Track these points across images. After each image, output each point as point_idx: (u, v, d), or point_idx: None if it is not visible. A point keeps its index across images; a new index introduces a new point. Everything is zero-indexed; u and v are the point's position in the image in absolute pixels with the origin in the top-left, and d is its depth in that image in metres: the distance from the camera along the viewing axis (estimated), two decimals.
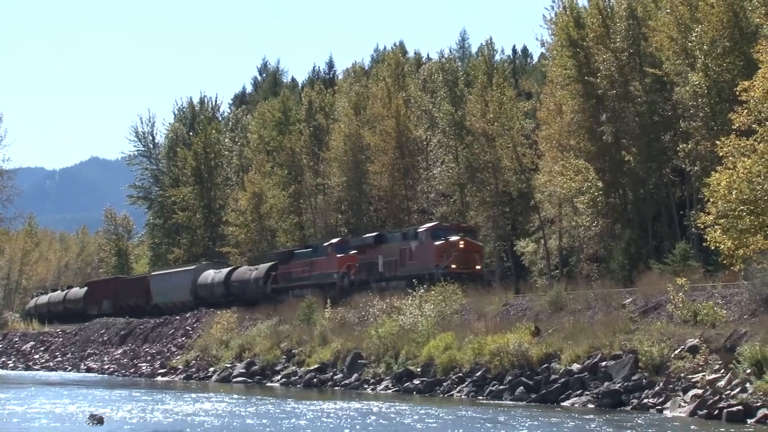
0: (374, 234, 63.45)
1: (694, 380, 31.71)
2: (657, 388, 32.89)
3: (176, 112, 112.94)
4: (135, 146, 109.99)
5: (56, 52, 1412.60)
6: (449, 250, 56.08)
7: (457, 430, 29.36)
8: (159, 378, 60.52)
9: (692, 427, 28.48)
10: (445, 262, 55.69)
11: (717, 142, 35.53)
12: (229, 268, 77.61)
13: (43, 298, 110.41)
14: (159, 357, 65.66)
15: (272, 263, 72.11)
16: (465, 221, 66.05)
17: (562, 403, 35.08)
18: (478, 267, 57.26)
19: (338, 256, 63.98)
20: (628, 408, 32.83)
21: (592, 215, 58.01)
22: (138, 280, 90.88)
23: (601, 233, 59.15)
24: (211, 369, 57.79)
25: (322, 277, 64.85)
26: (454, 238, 56.84)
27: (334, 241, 67.15)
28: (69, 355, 76.45)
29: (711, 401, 29.79)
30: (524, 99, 78.96)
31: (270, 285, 70.32)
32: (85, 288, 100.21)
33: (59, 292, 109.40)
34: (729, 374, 30.53)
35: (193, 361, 60.67)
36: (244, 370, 54.69)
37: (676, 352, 33.44)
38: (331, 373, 48.67)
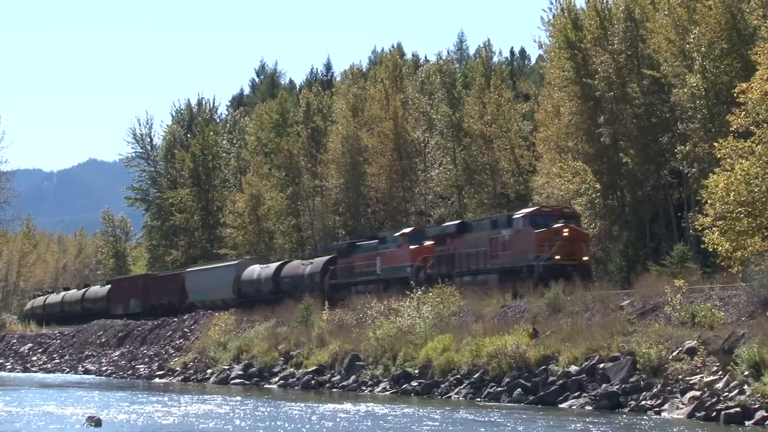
0: (457, 222, 57.78)
1: (691, 382, 31.73)
2: (655, 390, 32.90)
3: (174, 113, 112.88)
4: (133, 148, 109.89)
5: (54, 54, 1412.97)
6: (552, 239, 49.26)
7: (455, 431, 29.38)
8: (157, 380, 60.55)
9: (690, 429, 28.50)
10: (547, 252, 49.19)
11: (715, 144, 35.55)
12: (279, 263, 72.41)
13: (54, 298, 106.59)
14: (157, 359, 65.67)
15: (330, 257, 67.36)
16: (568, 206, 55.91)
17: (559, 405, 35.09)
18: (585, 258, 50.89)
19: (411, 247, 58.29)
20: (626, 410, 32.84)
21: (590, 217, 57.94)
22: (171, 277, 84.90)
23: (599, 235, 59.11)
24: (209, 371, 57.80)
25: (392, 271, 59.47)
26: (557, 224, 49.97)
27: (406, 230, 61.60)
28: (67, 357, 76.47)
29: (709, 403, 29.81)
30: (522, 101, 78.91)
31: (328, 281, 65.00)
32: (108, 286, 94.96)
33: (74, 290, 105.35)
34: (727, 376, 30.55)
35: (191, 363, 60.68)
36: (241, 372, 54.70)
37: (674, 353, 33.45)
38: (329, 375, 48.67)
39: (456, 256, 54.56)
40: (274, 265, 71.71)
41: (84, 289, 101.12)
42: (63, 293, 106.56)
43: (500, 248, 51.95)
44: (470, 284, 51.94)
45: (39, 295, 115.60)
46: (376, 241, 62.36)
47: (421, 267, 57.08)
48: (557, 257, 48.83)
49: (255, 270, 72.92)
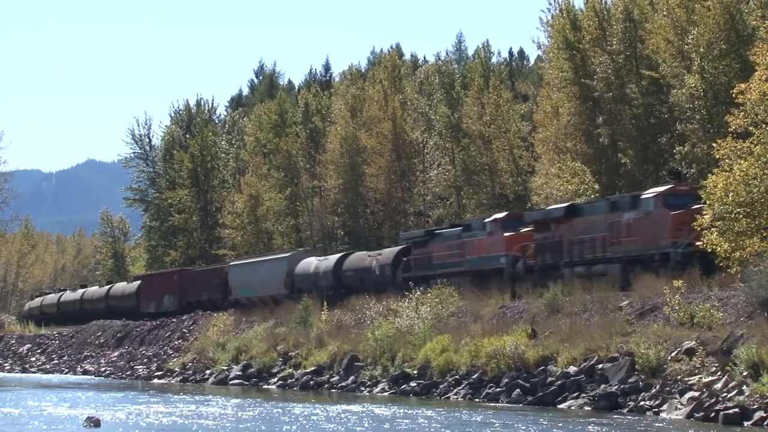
0: (564, 205, 50.63)
1: (690, 383, 31.71)
2: (653, 391, 32.90)
3: (173, 114, 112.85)
4: (131, 149, 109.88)
5: (53, 54, 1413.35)
6: (691, 223, 38.74)
7: None
8: (155, 380, 60.53)
9: (689, 429, 28.51)
10: (686, 238, 41.81)
11: (713, 144, 35.53)
12: (340, 255, 66.78)
13: (71, 295, 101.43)
14: (155, 359, 65.65)
15: (402, 247, 61.63)
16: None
17: (558, 406, 35.08)
18: None
19: (506, 234, 52.14)
20: (625, 410, 32.83)
21: None
22: (212, 272, 79.12)
23: None
24: (208, 371, 57.78)
25: (481, 261, 53.43)
26: (696, 205, 39.72)
27: (499, 215, 54.66)
28: (66, 358, 76.43)
29: (707, 404, 29.81)
30: (521, 101, 79.01)
31: (401, 273, 58.79)
32: (138, 282, 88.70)
33: (96, 287, 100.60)
34: (725, 377, 30.55)
35: (190, 364, 60.66)
36: (240, 373, 54.68)
37: (673, 354, 33.44)
38: (328, 376, 48.66)
39: (564, 243, 48.37)
40: (334, 257, 66.34)
41: (108, 286, 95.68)
42: (82, 290, 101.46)
43: (623, 233, 45.28)
44: (584, 275, 46.06)
45: (48, 293, 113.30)
46: (460, 228, 56.29)
47: (518, 257, 51.15)
48: (699, 243, 38.74)
49: (311, 263, 67.17)
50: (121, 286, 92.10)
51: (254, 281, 71.14)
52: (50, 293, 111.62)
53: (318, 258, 67.65)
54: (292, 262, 68.72)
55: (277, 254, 74.38)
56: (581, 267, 47.12)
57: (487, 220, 54.50)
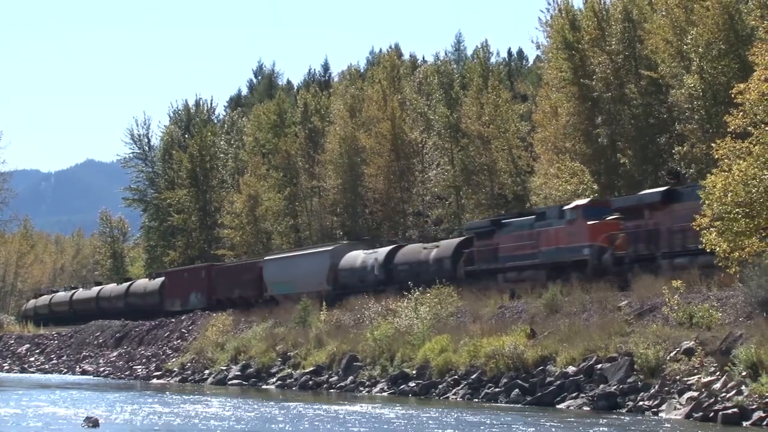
0: (661, 189, 45.63)
1: (689, 383, 31.72)
2: (652, 391, 32.91)
3: (171, 114, 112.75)
4: (130, 149, 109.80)
5: (51, 54, 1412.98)
6: None
7: None
8: (154, 380, 60.53)
9: (687, 429, 28.51)
10: None
11: (712, 144, 35.50)
12: (390, 247, 62.23)
13: (85, 293, 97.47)
14: (154, 359, 65.64)
15: (462, 238, 57.47)
16: None
17: (557, 406, 35.09)
18: None
19: (590, 222, 47.19)
20: (624, 410, 32.85)
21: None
22: (245, 267, 74.64)
23: None
24: (207, 371, 57.77)
25: (560, 253, 48.40)
26: None
27: (580, 202, 49.48)
28: (64, 358, 76.42)
29: (706, 404, 29.82)
30: (520, 101, 78.97)
31: (463, 267, 54.74)
32: (161, 279, 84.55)
33: (113, 285, 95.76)
34: (724, 377, 30.55)
35: (189, 364, 60.66)
36: (239, 373, 54.68)
37: (672, 354, 33.45)
38: (327, 376, 48.67)
39: (661, 232, 43.75)
40: (384, 249, 61.78)
41: (128, 283, 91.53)
42: (97, 288, 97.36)
43: None
44: (685, 267, 41.06)
45: (56, 291, 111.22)
46: (533, 217, 51.57)
47: (604, 248, 46.46)
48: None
49: (357, 256, 62.80)
50: (142, 283, 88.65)
51: (293, 277, 66.64)
52: (59, 291, 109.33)
53: (365, 251, 63.20)
54: (336, 255, 64.57)
55: (318, 247, 70.54)
56: (683, 258, 42.19)
57: (566, 207, 49.19)
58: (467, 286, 51.70)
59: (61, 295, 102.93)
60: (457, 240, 58.00)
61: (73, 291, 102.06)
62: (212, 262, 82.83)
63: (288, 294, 65.27)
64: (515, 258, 51.11)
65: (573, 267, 47.32)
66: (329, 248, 66.45)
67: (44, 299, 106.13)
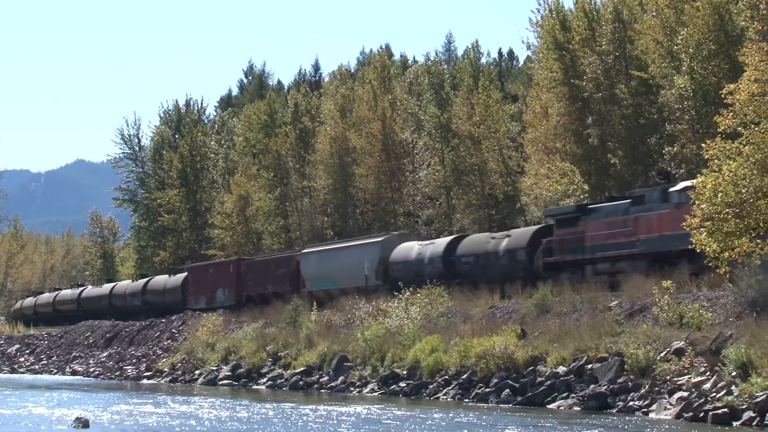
0: None
1: (679, 383, 31.75)
2: (643, 391, 32.94)
3: (162, 114, 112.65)
4: (121, 149, 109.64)
5: (41, 54, 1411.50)
6: None
7: None
8: (144, 381, 60.43)
9: (678, 429, 28.54)
10: None
11: (702, 144, 35.56)
12: (451, 237, 57.74)
13: (95, 290, 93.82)
14: (144, 360, 65.53)
15: (540, 226, 52.39)
16: None
17: (547, 406, 35.10)
18: None
19: None
20: (614, 410, 32.87)
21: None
22: (279, 261, 69.43)
23: None
24: (197, 372, 57.70)
25: (664, 242, 42.62)
26: None
27: (688, 183, 41.01)
28: (54, 358, 76.24)
29: (696, 404, 29.85)
30: (510, 102, 79.09)
31: (541, 258, 49.48)
32: (184, 275, 79.41)
33: (128, 282, 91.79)
34: (714, 377, 30.59)
35: (179, 364, 60.57)
36: (230, 373, 54.62)
37: (662, 354, 33.48)
38: (317, 376, 48.64)
39: None
40: (444, 240, 57.21)
41: (145, 280, 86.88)
42: (109, 285, 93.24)
43: None
44: None
45: (59, 289, 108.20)
46: (628, 201, 45.89)
47: None
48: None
49: (411, 248, 58.14)
50: (161, 280, 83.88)
51: (336, 271, 62.19)
52: (63, 289, 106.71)
53: (420, 242, 58.92)
54: (387, 247, 59.77)
55: (365, 239, 65.43)
56: None
57: (672, 189, 42.94)
58: (547, 279, 47.10)
59: (67, 293, 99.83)
60: (532, 228, 52.55)
61: (82, 288, 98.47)
62: (240, 256, 78.55)
63: (330, 289, 61.34)
64: (607, 247, 45.54)
65: (679, 256, 41.27)
66: (379, 239, 61.51)
67: (46, 297, 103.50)
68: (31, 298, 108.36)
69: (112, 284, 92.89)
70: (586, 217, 47.20)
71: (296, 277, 65.58)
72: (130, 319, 78.68)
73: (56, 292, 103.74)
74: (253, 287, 69.70)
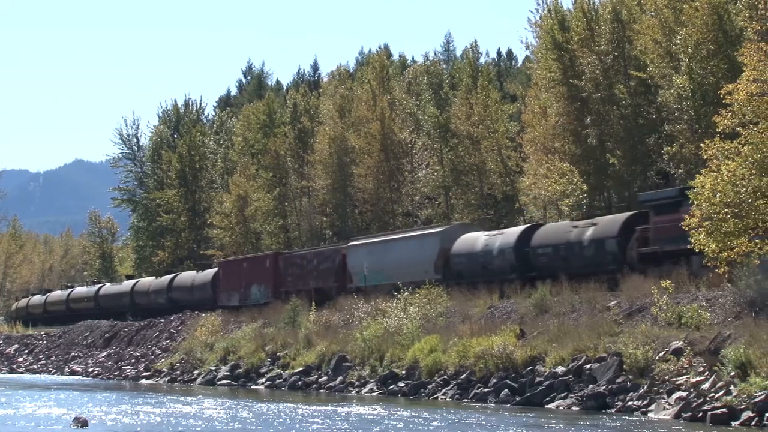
0: None
1: (678, 383, 31.77)
2: (641, 391, 32.95)
3: (161, 114, 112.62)
4: (119, 149, 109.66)
5: (40, 54, 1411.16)
6: None
7: None
8: (143, 381, 60.43)
9: (676, 429, 28.54)
10: None
11: (701, 144, 35.60)
12: (523, 228, 53.11)
13: (113, 287, 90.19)
14: (143, 360, 65.52)
15: (632, 213, 47.19)
16: None
17: (546, 406, 35.12)
18: None
19: None
20: (613, 410, 32.88)
21: (577, 218, 58.13)
22: (323, 254, 65.02)
23: None
24: (196, 372, 57.69)
25: None
26: None
27: None
28: (53, 358, 76.23)
29: (695, 404, 29.86)
30: (509, 102, 79.06)
31: (635, 249, 44.96)
32: (214, 270, 76.33)
33: (151, 278, 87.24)
34: (713, 377, 30.61)
35: (178, 364, 60.56)
36: (228, 373, 54.62)
37: (661, 354, 33.50)
38: (316, 376, 48.64)
39: None
40: (516, 230, 52.95)
41: (171, 276, 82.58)
42: (131, 282, 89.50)
43: None
44: None
45: (71, 286, 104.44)
46: None
47: None
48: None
49: (477, 239, 53.64)
50: (188, 276, 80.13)
51: (389, 265, 57.87)
52: (76, 286, 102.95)
53: (486, 233, 54.29)
54: (447, 238, 55.30)
55: (423, 229, 61.18)
56: None
57: None
58: (642, 272, 42.65)
59: (83, 291, 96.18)
60: (623, 215, 47.67)
61: (99, 285, 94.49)
62: (278, 250, 74.25)
63: (381, 284, 56.66)
64: None
65: None
66: (439, 229, 57.30)
67: (58, 295, 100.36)
68: (39, 296, 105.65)
69: (134, 281, 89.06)
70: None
71: (342, 272, 61.91)
72: (154, 317, 74.71)
73: (69, 290, 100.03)
74: (292, 283, 65.54)
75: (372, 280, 58.53)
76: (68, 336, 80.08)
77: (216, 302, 71.71)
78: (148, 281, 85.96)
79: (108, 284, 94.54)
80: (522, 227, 53.04)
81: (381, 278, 57.76)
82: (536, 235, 50.33)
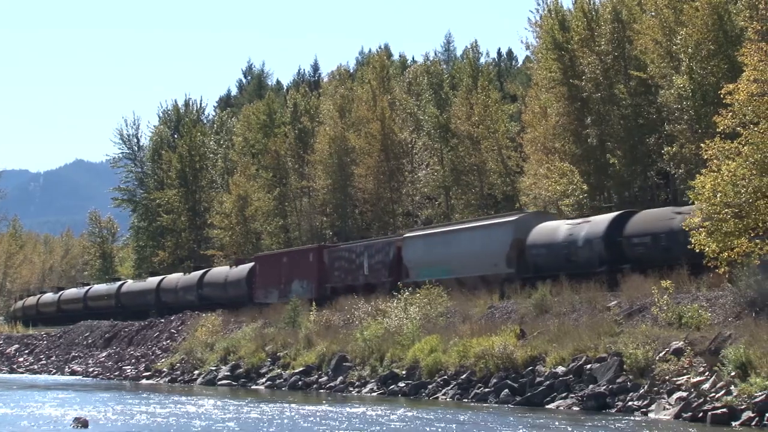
0: None
1: (678, 383, 31.76)
2: (642, 391, 32.94)
3: (161, 114, 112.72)
4: (119, 149, 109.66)
5: (41, 54, 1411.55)
6: None
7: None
8: (144, 381, 60.40)
9: (677, 429, 28.54)
10: None
11: (702, 144, 35.62)
12: (615, 214, 47.47)
13: (136, 284, 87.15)
14: (144, 360, 65.51)
15: None
16: None
17: (546, 406, 35.10)
18: None
19: None
20: (613, 410, 32.87)
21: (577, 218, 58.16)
22: (374, 247, 60.75)
23: None
24: (196, 372, 57.68)
25: None
26: None
27: None
28: (53, 358, 76.22)
29: (695, 404, 29.85)
30: (509, 102, 79.12)
31: None
32: (250, 265, 71.48)
33: (178, 275, 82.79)
34: (713, 377, 30.59)
35: (178, 364, 60.55)
36: (228, 373, 54.61)
37: (661, 354, 33.49)
38: (317, 376, 48.63)
39: None
40: (606, 217, 47.61)
41: (201, 272, 78.69)
42: (156, 279, 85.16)
43: None
44: None
45: (86, 284, 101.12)
46: None
47: None
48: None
49: (557, 228, 49.16)
50: (221, 272, 75.99)
51: (452, 257, 53.61)
52: (94, 283, 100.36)
53: (569, 221, 49.99)
54: (521, 228, 50.47)
55: (492, 218, 56.35)
56: None
57: None
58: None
59: (102, 288, 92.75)
60: None
61: (121, 282, 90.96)
62: (323, 243, 70.79)
63: (442, 279, 52.12)
64: None
65: None
66: (512, 218, 52.26)
67: (74, 293, 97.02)
68: (50, 294, 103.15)
69: (160, 277, 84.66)
70: None
71: (396, 266, 57.57)
72: (179, 314, 70.82)
73: (86, 287, 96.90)
74: (339, 278, 61.98)
75: (432, 274, 53.22)
76: (68, 336, 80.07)
77: (252, 299, 68.16)
78: (175, 278, 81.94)
79: (130, 281, 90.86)
80: (612, 214, 47.67)
81: (443, 273, 53.24)
82: (631, 223, 45.44)
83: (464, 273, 51.81)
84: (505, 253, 50.65)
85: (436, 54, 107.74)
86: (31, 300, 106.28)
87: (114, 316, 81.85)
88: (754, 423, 27.92)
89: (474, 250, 52.55)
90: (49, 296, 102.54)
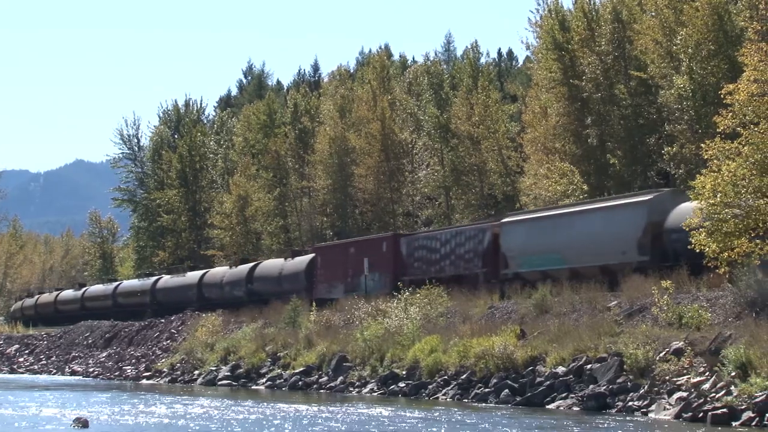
0: None
1: (679, 383, 31.74)
2: (642, 391, 32.93)
3: (161, 114, 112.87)
4: (120, 149, 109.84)
5: (41, 54, 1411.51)
6: None
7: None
8: (144, 381, 60.40)
9: (677, 430, 28.53)
10: None
11: (702, 145, 35.61)
12: None
13: (173, 281, 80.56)
14: (144, 360, 65.50)
15: None
16: None
17: (547, 406, 35.09)
18: None
19: None
20: (613, 411, 32.85)
21: None
22: (463, 234, 53.65)
23: None
24: (196, 372, 57.67)
25: None
26: None
27: None
28: (53, 358, 76.22)
29: (696, 404, 29.84)
30: (509, 102, 79.18)
31: None
32: (310, 257, 64.94)
33: (224, 268, 76.52)
34: (714, 377, 30.58)
35: (178, 364, 60.55)
36: (229, 373, 54.59)
37: (661, 354, 33.48)
38: (317, 376, 48.61)
39: None
40: None
41: (250, 265, 71.59)
42: (198, 273, 78.85)
43: None
44: None
45: (114, 281, 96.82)
46: None
47: None
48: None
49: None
50: (275, 264, 68.84)
51: (565, 244, 46.85)
52: (122, 280, 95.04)
53: None
54: (657, 209, 43.09)
55: (617, 198, 48.34)
56: None
57: None
58: None
59: (135, 284, 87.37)
60: None
61: (156, 278, 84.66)
62: (397, 231, 64.39)
63: (550, 270, 46.91)
64: None
65: None
66: (645, 198, 44.56)
67: (100, 289, 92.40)
68: (69, 291, 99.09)
69: (202, 272, 78.19)
70: None
71: (493, 255, 50.85)
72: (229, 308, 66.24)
73: (115, 283, 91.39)
74: (419, 270, 55.09)
75: (539, 264, 47.70)
76: (69, 336, 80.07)
77: (312, 294, 61.55)
78: (220, 271, 75.34)
79: (166, 276, 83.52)
80: None
81: (553, 262, 47.21)
82: None
83: (581, 263, 45.80)
84: (636, 239, 43.84)
85: (436, 54, 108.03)
86: (47, 297, 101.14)
87: (148, 314, 77.55)
88: (754, 423, 27.90)
89: (595, 235, 45.68)
90: (68, 294, 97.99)
